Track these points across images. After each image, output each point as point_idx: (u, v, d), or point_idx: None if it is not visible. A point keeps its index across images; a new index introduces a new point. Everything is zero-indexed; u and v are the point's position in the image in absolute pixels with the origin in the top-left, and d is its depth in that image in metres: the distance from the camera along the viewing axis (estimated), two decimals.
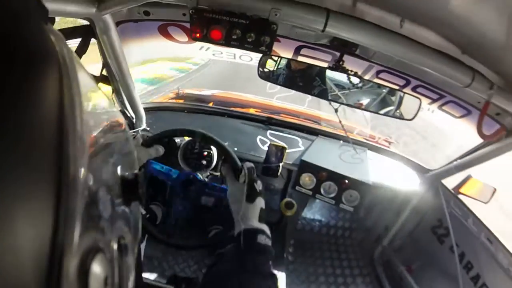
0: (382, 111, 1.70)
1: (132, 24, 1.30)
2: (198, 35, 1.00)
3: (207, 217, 1.58)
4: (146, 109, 1.78)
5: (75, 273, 0.25)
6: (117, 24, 1.21)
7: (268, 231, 0.96)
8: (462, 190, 1.77)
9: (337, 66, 1.26)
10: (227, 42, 1.01)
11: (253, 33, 0.98)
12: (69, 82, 0.30)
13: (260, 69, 1.47)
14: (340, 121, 1.68)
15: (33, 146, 0.23)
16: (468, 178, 1.76)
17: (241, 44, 1.01)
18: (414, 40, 0.98)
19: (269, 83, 1.63)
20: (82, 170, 0.27)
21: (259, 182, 1.07)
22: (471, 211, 1.68)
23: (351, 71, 1.27)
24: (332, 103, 1.55)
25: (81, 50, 1.19)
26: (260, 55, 1.42)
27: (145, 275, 1.73)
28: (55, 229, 0.23)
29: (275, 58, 1.68)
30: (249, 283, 0.82)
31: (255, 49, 1.02)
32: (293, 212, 1.49)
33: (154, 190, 1.84)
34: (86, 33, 1.17)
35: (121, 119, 0.52)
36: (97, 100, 0.41)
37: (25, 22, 0.27)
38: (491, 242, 1.50)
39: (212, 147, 1.67)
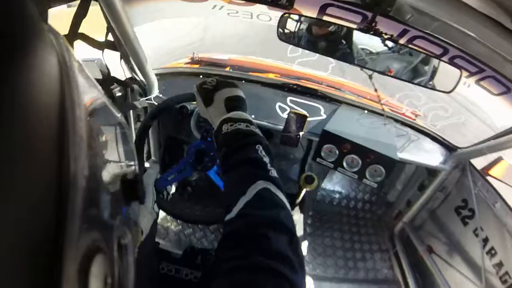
0: (415, 81, 1.56)
1: None
2: None
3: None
4: (158, 75, 1.70)
5: (75, 273, 0.24)
6: None
7: (236, 115, 0.79)
8: (491, 172, 1.66)
9: (369, 27, 1.11)
10: None
11: None
12: (69, 82, 0.30)
13: (280, 30, 1.34)
14: (375, 89, 1.55)
15: (33, 146, 0.23)
16: (499, 159, 1.65)
17: None
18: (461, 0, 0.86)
19: (290, 47, 1.50)
20: (82, 170, 0.27)
21: (209, 80, 0.89)
22: (499, 195, 1.57)
23: (385, 33, 1.12)
24: (365, 69, 1.40)
25: (80, 14, 1.08)
26: (279, 14, 1.28)
27: (162, 246, 1.73)
28: (55, 229, 0.23)
29: (296, 18, 1.54)
30: (227, 181, 0.72)
31: (274, 2, 0.89)
32: (313, 187, 1.41)
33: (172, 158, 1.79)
34: None
35: (121, 119, 0.53)
36: (97, 99, 0.41)
37: (25, 22, 0.27)
38: None
39: None
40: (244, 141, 0.72)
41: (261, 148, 0.71)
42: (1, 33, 0.23)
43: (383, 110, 1.79)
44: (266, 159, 0.69)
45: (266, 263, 0.50)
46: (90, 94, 0.37)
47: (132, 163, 0.53)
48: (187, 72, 1.85)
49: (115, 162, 0.43)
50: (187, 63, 2.14)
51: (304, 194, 1.71)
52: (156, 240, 1.49)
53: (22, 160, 0.22)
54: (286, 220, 0.58)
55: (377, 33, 1.12)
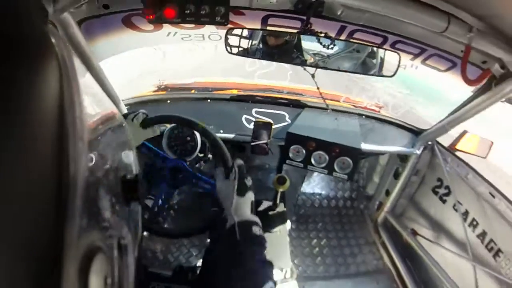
0: (363, 72, 1.67)
1: (96, 20, 1.27)
2: (151, 16, 0.98)
3: (207, 202, 1.57)
4: (128, 105, 1.76)
5: (75, 272, 0.25)
6: (80, 22, 1.18)
7: (260, 223, 1.00)
8: (458, 146, 1.73)
9: (306, 29, 1.22)
10: (182, 18, 0.99)
11: (207, 5, 0.96)
12: (69, 82, 0.30)
13: (229, 45, 1.43)
14: (318, 88, 1.65)
15: (34, 146, 0.24)
16: (463, 133, 1.73)
17: (196, 18, 0.98)
18: None
19: (248, 62, 1.59)
20: (82, 170, 0.28)
21: (249, 177, 1.11)
22: (470, 167, 1.64)
23: (321, 32, 1.23)
24: (307, 68, 1.50)
25: None
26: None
27: (151, 269, 1.73)
28: (55, 229, 0.24)
29: (245, 34, 1.65)
30: (250, 274, 0.85)
31: (211, 21, 0.99)
32: (285, 187, 1.46)
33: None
34: None
35: (121, 118, 0.54)
36: (97, 99, 0.42)
37: (25, 22, 0.28)
38: (494, 196, 1.46)
39: (195, 132, 1.65)
40: (263, 247, 0.94)
41: (265, 253, 0.94)
42: (4, 35, 0.23)
43: (326, 104, 1.86)
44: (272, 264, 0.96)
45: None
46: (90, 95, 0.38)
47: (132, 163, 0.54)
48: (155, 99, 1.93)
49: (114, 162, 0.43)
50: (155, 91, 2.22)
51: (284, 201, 1.76)
52: (145, 264, 1.49)
53: (22, 160, 0.22)
54: None
55: (313, 33, 1.21)
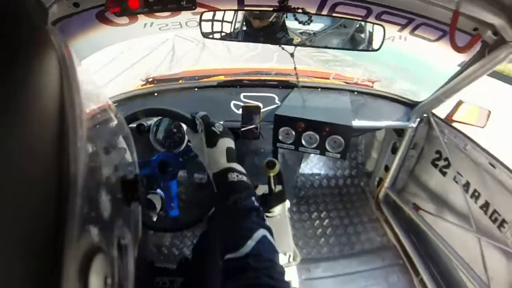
0: (351, 47, 1.61)
1: (70, 20, 1.23)
2: (116, 9, 0.94)
3: (205, 194, 1.55)
4: (116, 102, 1.74)
5: (75, 272, 0.25)
6: (54, 23, 1.14)
7: (239, 168, 0.93)
8: (455, 117, 1.68)
9: (281, 6, 1.17)
10: (149, 8, 0.95)
11: None
12: (69, 82, 0.30)
13: (203, 29, 1.36)
14: (295, 68, 1.59)
15: (34, 146, 0.24)
16: (459, 103, 1.67)
17: (163, 6, 0.94)
18: None
19: (234, 47, 1.54)
20: (82, 170, 0.28)
21: (217, 124, 1.03)
22: (468, 137, 1.60)
23: (298, 8, 1.18)
24: (285, 48, 1.45)
25: None
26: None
27: (157, 264, 1.75)
28: (55, 229, 0.24)
29: (229, 18, 1.59)
30: (231, 225, 0.82)
31: (178, 7, 0.95)
32: (275, 171, 1.44)
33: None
34: None
35: (121, 118, 0.54)
36: (97, 99, 0.42)
37: (26, 22, 0.28)
38: (494, 167, 1.42)
39: (181, 124, 1.62)
40: (247, 192, 0.86)
41: (255, 198, 0.86)
42: (3, 35, 0.23)
43: (297, 81, 1.80)
44: (261, 208, 0.86)
45: (273, 283, 0.68)
46: (90, 94, 0.38)
47: (132, 163, 0.54)
48: (142, 93, 1.90)
49: (114, 162, 0.43)
50: (142, 85, 2.19)
51: (282, 183, 1.74)
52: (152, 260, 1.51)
53: (22, 160, 0.22)
54: (278, 259, 0.77)
55: (289, 10, 1.16)
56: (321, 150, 1.61)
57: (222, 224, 0.86)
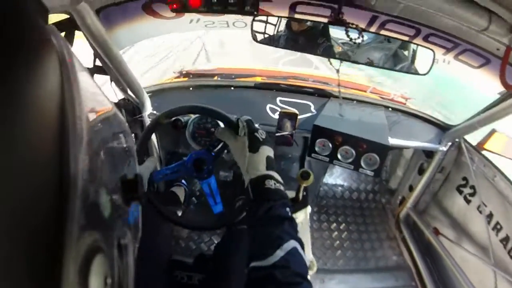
0: (395, 67, 1.58)
1: (115, 8, 1.24)
2: (175, 5, 0.94)
3: (230, 192, 1.55)
4: (150, 93, 1.75)
5: (75, 272, 0.25)
6: (98, 11, 1.15)
7: (277, 177, 0.90)
8: (486, 146, 1.64)
9: (336, 19, 1.15)
10: (208, 7, 0.94)
11: None
12: (69, 82, 0.30)
13: (255, 33, 1.37)
14: (338, 83, 1.58)
15: (34, 146, 0.23)
16: (492, 132, 1.63)
17: (223, 7, 0.94)
18: None
19: (272, 49, 1.54)
20: (83, 170, 0.27)
21: (260, 131, 1.01)
22: (497, 168, 1.56)
23: (352, 24, 1.16)
24: (333, 62, 1.43)
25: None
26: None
27: (174, 256, 1.76)
28: (55, 229, 0.24)
29: (273, 21, 1.58)
30: (261, 232, 0.80)
31: (240, 11, 0.94)
32: (309, 182, 1.43)
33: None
34: (68, 26, 1.11)
35: (121, 118, 0.53)
36: (97, 99, 0.42)
37: (25, 22, 0.27)
38: None
39: (219, 122, 1.63)
40: (282, 201, 0.84)
41: (289, 209, 0.84)
42: (3, 34, 0.23)
43: (367, 99, 1.80)
44: (294, 220, 0.83)
45: None
46: (90, 95, 0.38)
47: (132, 163, 0.54)
48: (176, 86, 1.91)
49: (115, 162, 0.43)
50: (176, 77, 2.20)
51: (306, 190, 1.74)
52: (169, 252, 1.52)
53: (22, 160, 0.22)
54: (307, 275, 0.72)
55: (344, 24, 1.15)
56: (356, 166, 1.60)
57: (253, 231, 0.83)
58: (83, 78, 0.35)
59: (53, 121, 0.26)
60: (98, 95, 0.44)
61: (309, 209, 1.46)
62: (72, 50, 0.35)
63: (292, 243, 0.74)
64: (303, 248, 0.77)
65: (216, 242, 2.04)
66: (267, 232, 0.78)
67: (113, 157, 0.43)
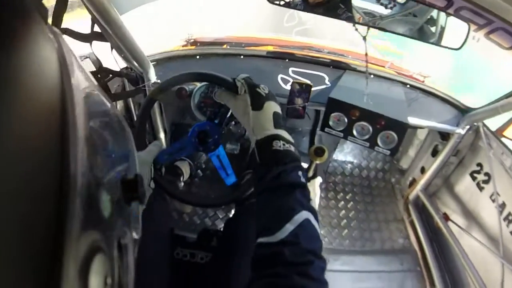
0: (422, 39, 1.47)
1: None
2: None
3: (237, 165, 1.50)
4: (154, 61, 1.66)
5: (75, 273, 0.24)
6: None
7: (287, 136, 0.81)
8: (506, 133, 1.57)
9: None
10: None
11: None
12: (69, 81, 0.30)
13: None
14: (366, 53, 1.46)
15: (34, 146, 0.24)
16: None
17: None
18: None
19: (286, 16, 1.42)
20: (83, 170, 0.27)
21: (262, 86, 0.91)
22: None
23: None
24: (359, 29, 1.31)
25: (60, 8, 1.03)
26: None
27: (177, 231, 1.76)
28: (55, 229, 0.23)
29: None
30: (269, 202, 0.72)
31: None
32: (323, 159, 1.34)
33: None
34: None
35: (121, 118, 0.53)
36: (97, 98, 0.42)
37: (25, 21, 0.27)
38: None
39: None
40: (294, 164, 0.74)
41: (301, 173, 0.74)
42: (3, 34, 0.23)
43: (384, 74, 1.68)
44: (307, 186, 0.74)
45: (306, 284, 0.58)
46: (90, 93, 0.38)
47: (133, 162, 0.53)
48: (183, 54, 1.80)
49: (115, 162, 0.44)
50: (183, 45, 2.08)
51: (316, 166, 1.68)
52: (172, 226, 1.50)
53: (21, 159, 0.22)
54: (321, 250, 0.65)
55: None
56: (372, 143, 1.52)
57: (260, 200, 0.75)
58: (82, 75, 0.35)
59: (52, 119, 0.26)
60: (99, 95, 0.44)
61: (319, 180, 1.40)
62: (70, 47, 0.35)
63: (304, 214, 0.66)
64: (316, 218, 0.69)
65: (221, 216, 2.03)
66: (275, 202, 0.70)
67: (113, 156, 0.43)
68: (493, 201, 1.54)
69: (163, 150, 1.37)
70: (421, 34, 1.50)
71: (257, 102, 0.85)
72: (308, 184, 1.32)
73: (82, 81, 0.34)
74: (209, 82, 1.21)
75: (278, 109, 0.86)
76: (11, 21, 0.24)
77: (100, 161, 0.35)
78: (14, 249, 0.20)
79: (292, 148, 0.78)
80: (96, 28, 1.23)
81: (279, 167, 0.73)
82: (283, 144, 0.77)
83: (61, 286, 0.23)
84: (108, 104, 0.49)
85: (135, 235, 0.47)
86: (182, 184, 1.81)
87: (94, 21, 1.18)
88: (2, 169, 0.20)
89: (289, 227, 0.63)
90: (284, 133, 0.80)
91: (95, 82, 0.45)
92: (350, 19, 1.42)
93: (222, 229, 1.49)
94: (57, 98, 0.28)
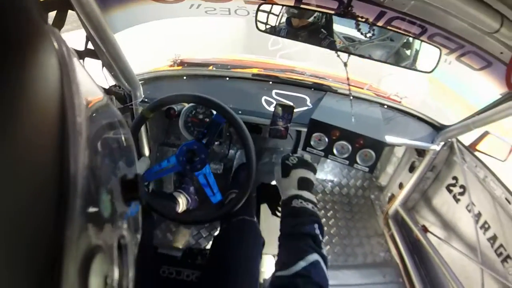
0: (397, 63, 1.58)
1: None
2: None
3: (220, 184, 1.52)
4: (142, 80, 1.68)
5: (75, 272, 0.24)
6: None
7: (307, 195, 0.99)
8: (478, 147, 1.67)
9: (346, 11, 1.12)
10: None
11: None
12: (69, 82, 0.30)
13: (258, 21, 1.35)
14: (347, 77, 1.55)
15: (33, 146, 0.23)
16: (485, 134, 1.66)
17: None
18: None
19: (271, 40, 1.50)
20: (83, 170, 0.27)
21: (292, 157, 1.13)
22: (489, 169, 1.59)
23: (362, 17, 1.13)
24: (340, 55, 1.40)
25: (58, 23, 1.06)
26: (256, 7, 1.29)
27: (161, 250, 1.73)
28: (55, 229, 0.23)
29: (275, 12, 1.54)
30: (286, 246, 0.87)
31: None
32: None
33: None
34: (62, 5, 1.04)
35: (121, 118, 0.53)
36: (97, 98, 0.42)
37: (25, 21, 0.27)
38: (510, 202, 1.42)
39: (212, 111, 1.59)
40: (309, 218, 0.91)
41: (317, 226, 0.89)
42: (3, 34, 0.23)
43: (363, 95, 1.79)
44: (321, 237, 0.88)
45: None
46: (90, 93, 0.38)
47: (132, 162, 0.53)
48: (170, 75, 1.84)
49: (115, 162, 0.43)
50: (170, 65, 2.12)
51: None
52: (154, 244, 1.48)
53: (22, 160, 0.22)
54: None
55: (354, 17, 1.13)
56: (351, 161, 1.58)
57: (280, 246, 0.90)
58: (82, 76, 0.35)
59: (52, 120, 0.26)
60: (98, 94, 0.44)
61: None
62: (71, 50, 0.35)
63: (315, 256, 0.80)
64: (326, 263, 0.82)
65: (204, 235, 2.01)
66: (291, 245, 0.85)
67: (113, 156, 0.43)
68: (469, 211, 1.63)
69: (150, 168, 1.39)
70: (397, 57, 1.62)
71: (284, 171, 1.09)
72: None
73: (82, 82, 0.33)
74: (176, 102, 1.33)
75: (306, 174, 1.07)
76: (9, 22, 0.24)
77: (100, 162, 0.35)
78: (14, 250, 0.20)
79: (309, 206, 0.96)
80: (89, 45, 1.25)
81: (295, 219, 0.91)
82: (300, 202, 0.96)
83: (61, 286, 0.23)
84: (109, 105, 0.49)
85: (135, 235, 0.47)
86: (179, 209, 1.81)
87: (88, 38, 1.21)
88: (3, 171, 0.20)
89: (302, 263, 0.77)
90: (304, 193, 1.00)
91: (95, 82, 0.45)
92: (332, 45, 1.51)
93: (206, 248, 1.50)
94: (57, 100, 0.28)
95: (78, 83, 0.31)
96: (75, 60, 0.35)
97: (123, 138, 0.51)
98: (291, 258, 0.79)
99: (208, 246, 1.87)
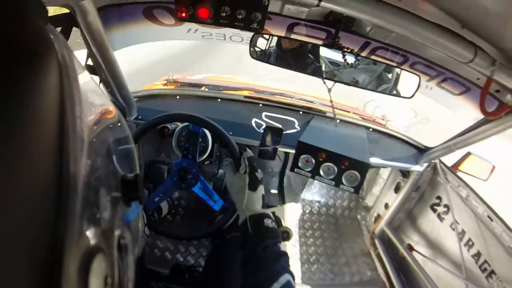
0: (379, 89, 1.67)
1: (115, 9, 1.23)
2: (184, 14, 0.94)
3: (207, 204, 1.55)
4: (137, 97, 1.73)
5: (75, 272, 0.25)
6: (99, 10, 1.13)
7: (272, 216, 1.04)
8: (461, 167, 1.75)
9: (333, 43, 1.21)
10: (215, 21, 0.95)
11: (243, 9, 0.93)
12: (69, 82, 0.30)
13: (252, 48, 1.42)
14: (331, 101, 1.64)
15: (34, 146, 0.23)
16: (467, 155, 1.74)
17: (230, 22, 0.95)
18: (413, 13, 0.95)
19: (261, 64, 1.58)
20: (82, 170, 0.28)
21: (259, 170, 1.14)
22: (471, 188, 1.66)
23: (347, 48, 1.22)
24: (326, 82, 1.50)
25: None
26: (251, 34, 1.37)
27: (149, 266, 1.71)
28: (55, 229, 0.24)
29: (267, 37, 1.63)
30: (260, 267, 0.89)
31: (246, 27, 0.96)
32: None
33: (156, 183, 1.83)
34: (66, 22, 1.08)
35: (121, 118, 0.54)
36: (97, 99, 0.42)
37: (25, 22, 0.27)
38: (492, 220, 1.48)
39: (206, 132, 1.63)
40: (277, 239, 0.98)
41: (280, 245, 0.97)
42: (3, 34, 0.23)
43: (334, 115, 1.87)
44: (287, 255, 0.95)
45: None
46: (90, 95, 0.38)
47: (132, 162, 0.54)
48: (164, 94, 1.89)
49: (115, 162, 0.43)
50: (164, 84, 2.18)
51: (284, 201, 1.75)
52: (143, 261, 1.48)
53: (22, 160, 0.22)
54: None
55: (340, 48, 1.20)
56: (337, 182, 1.64)
57: (252, 264, 0.93)
58: (83, 78, 0.35)
59: (53, 121, 0.26)
60: (98, 95, 0.44)
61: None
62: (71, 50, 0.35)
63: (286, 277, 0.85)
64: (293, 279, 0.88)
65: (192, 253, 2.01)
66: (266, 267, 0.88)
67: (113, 157, 0.43)
68: (453, 229, 1.68)
69: (149, 197, 1.42)
70: (379, 81, 1.71)
71: (253, 184, 1.10)
72: None
73: (83, 83, 0.33)
74: (222, 142, 1.34)
75: (264, 192, 1.11)
76: (11, 25, 0.24)
77: (100, 163, 0.35)
78: (15, 250, 0.20)
79: (276, 226, 1.02)
80: (89, 62, 1.30)
81: (268, 240, 0.94)
82: (271, 222, 1.01)
83: (61, 286, 0.23)
84: (110, 106, 0.49)
85: (136, 235, 0.48)
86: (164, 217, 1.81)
87: (89, 55, 1.26)
88: (3, 171, 0.20)
89: (276, 286, 0.81)
90: (271, 214, 1.05)
91: (96, 84, 0.45)
92: (318, 72, 1.59)
93: (193, 265, 1.51)
94: (57, 101, 0.28)
95: (78, 84, 0.32)
96: (76, 61, 0.35)
97: (122, 139, 0.52)
98: (266, 280, 0.83)
99: (196, 264, 1.87)
